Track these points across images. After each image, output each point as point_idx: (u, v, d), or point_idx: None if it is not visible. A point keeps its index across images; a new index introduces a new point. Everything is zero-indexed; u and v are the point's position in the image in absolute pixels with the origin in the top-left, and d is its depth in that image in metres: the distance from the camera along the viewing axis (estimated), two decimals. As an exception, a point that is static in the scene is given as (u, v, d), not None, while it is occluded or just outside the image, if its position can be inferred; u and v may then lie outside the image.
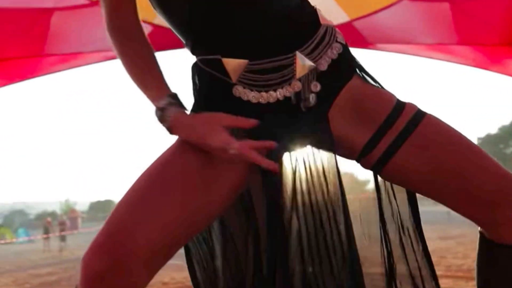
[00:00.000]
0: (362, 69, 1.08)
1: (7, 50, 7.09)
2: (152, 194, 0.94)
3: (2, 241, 24.97)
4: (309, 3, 1.09)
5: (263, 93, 0.99)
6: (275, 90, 0.99)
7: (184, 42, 1.08)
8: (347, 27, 6.19)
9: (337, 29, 1.10)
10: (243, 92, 0.99)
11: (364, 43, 6.66)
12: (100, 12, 1.11)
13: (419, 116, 1.01)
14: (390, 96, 1.06)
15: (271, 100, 0.99)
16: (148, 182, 0.96)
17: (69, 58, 7.56)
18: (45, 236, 18.95)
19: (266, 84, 0.99)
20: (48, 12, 6.33)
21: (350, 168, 1.10)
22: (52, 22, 6.49)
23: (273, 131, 0.98)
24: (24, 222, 57.86)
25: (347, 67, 1.07)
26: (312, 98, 0.99)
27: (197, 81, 1.05)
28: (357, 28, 5.89)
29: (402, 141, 0.99)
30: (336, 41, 1.06)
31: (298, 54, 0.99)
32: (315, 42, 1.02)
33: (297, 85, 0.99)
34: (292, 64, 0.98)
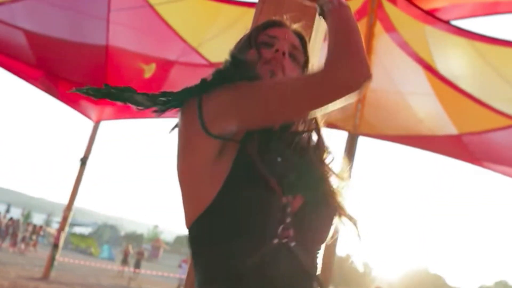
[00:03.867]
0: None
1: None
2: None
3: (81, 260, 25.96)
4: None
5: None
6: None
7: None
8: (454, 139, 5.92)
9: None
10: None
11: (471, 158, 6.32)
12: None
13: None
14: None
15: None
16: None
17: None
18: (121, 268, 19.21)
19: None
20: (169, 63, 6.83)
21: None
22: (171, 73, 7.00)
23: None
24: (112, 237, 59.95)
25: None
26: None
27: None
28: (464, 142, 5.62)
29: None
30: None
31: None
32: None
33: None
34: None
